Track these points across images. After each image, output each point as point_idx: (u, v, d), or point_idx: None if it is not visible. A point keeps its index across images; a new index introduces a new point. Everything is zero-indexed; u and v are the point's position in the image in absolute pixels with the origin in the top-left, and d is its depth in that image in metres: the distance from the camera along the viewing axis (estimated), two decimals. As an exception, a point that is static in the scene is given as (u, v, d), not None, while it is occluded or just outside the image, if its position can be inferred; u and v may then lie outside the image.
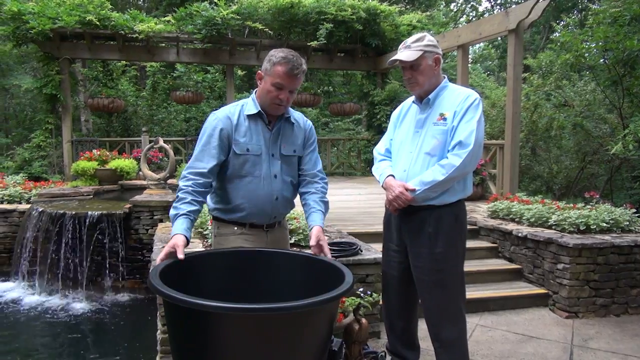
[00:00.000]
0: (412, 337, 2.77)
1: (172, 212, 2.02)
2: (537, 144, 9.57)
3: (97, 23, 9.17)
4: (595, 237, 4.15)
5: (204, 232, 4.01)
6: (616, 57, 6.61)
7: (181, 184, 2.07)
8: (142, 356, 4.04)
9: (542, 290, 4.27)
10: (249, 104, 2.19)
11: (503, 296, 4.20)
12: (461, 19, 26.10)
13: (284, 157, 2.21)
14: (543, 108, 8.79)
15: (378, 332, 3.44)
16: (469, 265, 4.59)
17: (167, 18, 9.92)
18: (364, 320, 1.70)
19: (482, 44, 24.21)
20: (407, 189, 2.39)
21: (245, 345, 1.41)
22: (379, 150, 2.75)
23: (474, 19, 25.08)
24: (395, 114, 2.72)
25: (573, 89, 9.11)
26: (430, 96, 2.47)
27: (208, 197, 2.27)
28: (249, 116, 2.15)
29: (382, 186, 2.57)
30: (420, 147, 2.46)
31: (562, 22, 14.61)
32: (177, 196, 2.04)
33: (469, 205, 6.64)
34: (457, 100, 2.41)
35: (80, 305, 5.27)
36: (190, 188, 2.03)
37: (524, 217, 4.90)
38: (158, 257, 1.83)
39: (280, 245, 2.31)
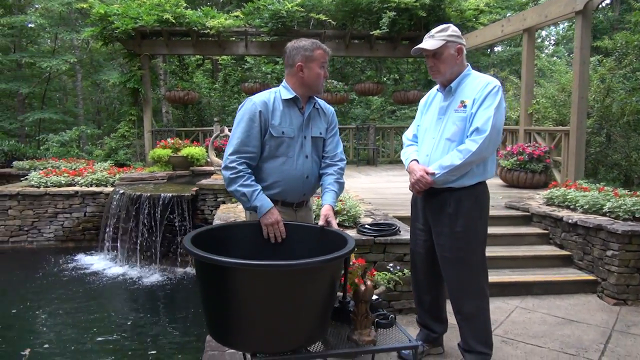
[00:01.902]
0: (439, 311, 2.95)
1: (246, 189, 2.22)
2: (611, 130, 9.06)
3: (173, 21, 9.89)
4: (648, 225, 4.04)
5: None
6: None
7: (238, 167, 2.24)
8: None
9: (590, 277, 4.22)
10: (283, 91, 2.38)
11: (548, 281, 4.20)
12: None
13: (314, 139, 2.42)
14: (616, 92, 8.33)
15: (415, 308, 3.64)
16: (518, 251, 4.66)
17: (236, 13, 10.46)
18: (369, 282, 1.93)
19: (566, 24, 22.82)
20: (427, 173, 2.56)
21: (260, 295, 1.71)
22: (407, 136, 2.92)
23: (554, -2, 23.67)
24: (422, 101, 2.88)
25: (654, 71, 8.54)
26: (452, 84, 2.61)
27: None
28: (285, 101, 2.35)
29: (406, 170, 2.76)
30: (442, 133, 2.61)
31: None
32: (242, 175, 2.23)
33: (528, 193, 6.57)
34: (477, 88, 2.53)
35: (154, 276, 5.95)
36: (248, 171, 2.27)
37: (578, 204, 4.81)
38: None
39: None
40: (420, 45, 2.58)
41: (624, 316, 3.71)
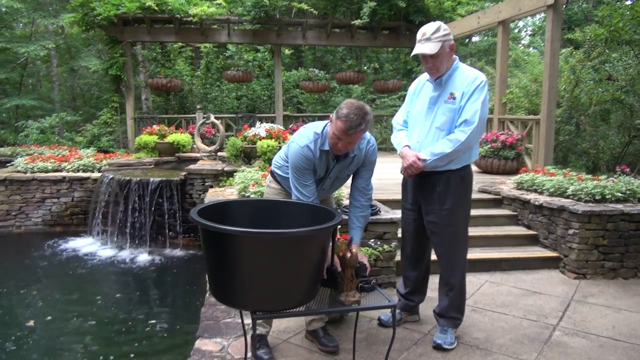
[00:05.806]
0: (422, 284, 3.24)
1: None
2: (580, 119, 9.51)
3: (155, 8, 9.91)
4: (607, 206, 4.41)
5: (246, 195, 4.62)
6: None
7: (306, 200, 2.61)
8: (198, 295, 4.79)
9: (554, 254, 4.59)
10: (325, 139, 2.63)
11: (515, 257, 4.56)
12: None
13: (338, 178, 2.83)
14: (585, 83, 8.76)
15: (394, 282, 3.95)
16: (489, 231, 5.00)
17: (218, 1, 10.52)
18: (354, 250, 2.22)
19: (542, 14, 23.34)
20: (419, 159, 2.82)
21: (261, 259, 1.97)
22: (397, 120, 3.15)
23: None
24: (411, 88, 3.09)
25: (620, 63, 8.98)
26: (443, 77, 2.82)
27: (278, 155, 2.91)
28: (322, 150, 2.65)
29: (399, 154, 3.02)
30: (433, 122, 2.86)
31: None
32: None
33: (501, 178, 6.95)
34: (466, 81, 2.77)
35: (144, 258, 6.16)
36: (311, 198, 2.62)
37: (544, 188, 5.16)
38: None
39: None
40: (420, 51, 2.73)
41: (582, 288, 4.09)
